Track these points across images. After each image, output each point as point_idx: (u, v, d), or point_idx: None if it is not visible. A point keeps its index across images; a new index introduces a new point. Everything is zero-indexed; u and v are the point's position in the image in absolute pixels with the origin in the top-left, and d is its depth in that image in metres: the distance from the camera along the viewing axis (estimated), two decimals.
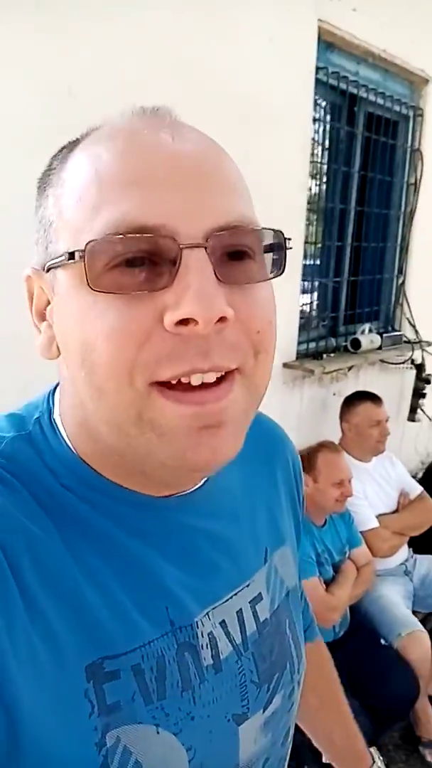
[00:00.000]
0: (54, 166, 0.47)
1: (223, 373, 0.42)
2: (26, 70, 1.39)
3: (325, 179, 2.68)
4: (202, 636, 0.50)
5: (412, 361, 3.12)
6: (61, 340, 0.46)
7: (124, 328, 0.40)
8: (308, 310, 2.70)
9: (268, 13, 1.99)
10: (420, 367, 3.18)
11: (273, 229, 0.45)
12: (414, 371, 3.19)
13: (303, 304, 2.61)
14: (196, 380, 0.41)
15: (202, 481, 0.53)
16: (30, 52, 1.40)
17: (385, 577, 2.38)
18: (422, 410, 3.26)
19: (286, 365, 2.38)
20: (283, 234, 0.45)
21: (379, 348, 2.77)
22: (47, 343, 0.47)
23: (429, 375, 3.20)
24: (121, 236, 0.39)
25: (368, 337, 2.69)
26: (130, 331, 0.40)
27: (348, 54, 2.48)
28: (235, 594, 0.55)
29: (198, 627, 0.50)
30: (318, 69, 2.29)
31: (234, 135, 1.91)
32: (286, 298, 2.37)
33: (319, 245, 2.72)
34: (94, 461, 0.48)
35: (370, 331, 2.78)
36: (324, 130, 2.62)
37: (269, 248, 0.45)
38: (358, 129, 2.70)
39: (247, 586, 0.56)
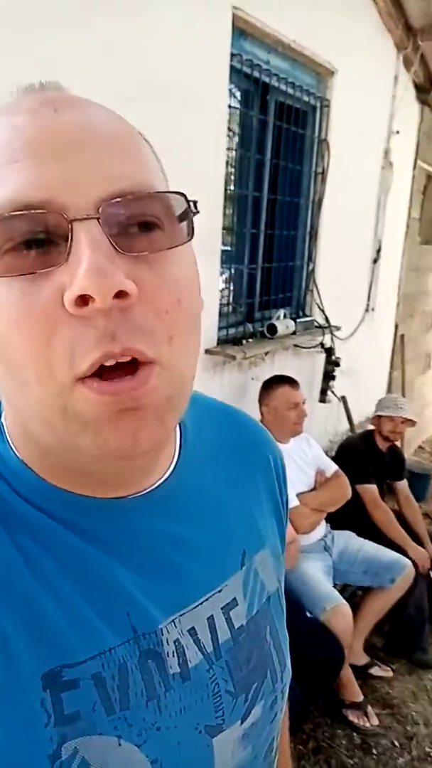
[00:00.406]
0: None
1: (137, 360, 0.39)
2: None
3: (239, 166, 2.71)
4: (168, 643, 0.48)
5: (322, 345, 3.25)
6: None
7: (28, 315, 0.38)
8: (226, 296, 2.72)
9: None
10: (329, 351, 3.31)
11: (174, 192, 0.42)
12: (324, 355, 3.32)
13: (221, 290, 2.63)
14: (110, 361, 0.38)
15: (158, 482, 0.51)
16: None
17: (307, 554, 2.48)
18: (332, 392, 3.40)
19: (208, 351, 2.40)
20: (185, 196, 0.42)
21: (293, 333, 2.85)
22: None
23: (338, 358, 3.34)
24: (6, 217, 0.37)
25: (284, 323, 2.77)
26: (35, 319, 0.37)
27: (260, 42, 2.51)
28: (206, 600, 0.52)
29: (163, 634, 0.48)
30: (232, 56, 2.30)
31: (152, 122, 1.88)
32: (206, 284, 2.37)
33: (234, 232, 2.75)
34: (37, 466, 0.47)
35: (285, 316, 2.86)
36: (238, 118, 2.64)
37: (181, 217, 0.42)
38: (270, 117, 2.74)
39: (219, 591, 0.53)
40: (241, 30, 2.36)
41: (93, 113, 0.42)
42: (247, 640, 0.54)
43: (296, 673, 2.05)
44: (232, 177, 2.69)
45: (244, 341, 2.59)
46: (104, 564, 0.46)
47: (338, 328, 3.36)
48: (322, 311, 3.29)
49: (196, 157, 2.14)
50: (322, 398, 3.38)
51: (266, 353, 2.80)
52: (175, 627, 0.49)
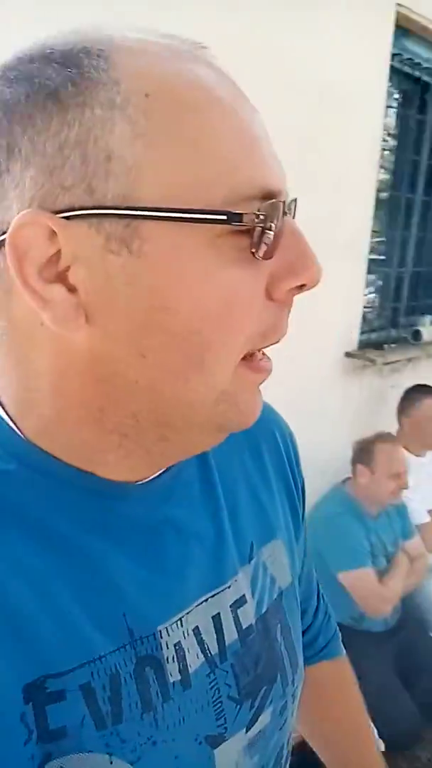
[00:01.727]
0: (103, 80, 0.34)
1: None
2: None
3: (393, 168, 2.64)
4: (167, 647, 0.43)
5: None
6: (113, 309, 0.36)
7: (251, 297, 0.38)
8: (370, 299, 2.68)
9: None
10: None
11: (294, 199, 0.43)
12: None
13: (365, 294, 2.60)
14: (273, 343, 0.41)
15: (162, 469, 0.47)
16: None
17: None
18: None
19: (348, 354, 2.38)
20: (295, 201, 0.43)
21: None
22: (73, 313, 0.36)
23: None
24: (260, 199, 0.36)
25: (430, 329, 2.66)
26: (249, 302, 0.38)
27: (423, 40, 2.43)
28: (212, 596, 0.48)
29: (162, 636, 0.43)
30: (393, 56, 2.26)
31: (305, 122, 1.96)
32: (350, 285, 2.37)
33: (384, 235, 2.69)
34: (45, 440, 0.41)
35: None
36: (395, 118, 2.58)
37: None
38: (429, 117, 2.64)
39: (228, 587, 0.49)
40: (404, 28, 2.31)
41: None
42: (256, 640, 0.50)
43: (415, 694, 1.97)
44: (386, 179, 2.64)
45: (385, 346, 2.53)
46: (102, 556, 0.42)
47: None
48: None
49: (348, 159, 2.13)
50: None
51: (409, 360, 2.71)
52: (179, 628, 0.45)
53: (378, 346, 2.53)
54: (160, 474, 0.46)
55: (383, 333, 2.65)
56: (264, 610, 0.52)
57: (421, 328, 2.63)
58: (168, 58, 0.36)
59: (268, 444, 0.59)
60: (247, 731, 0.48)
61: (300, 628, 0.58)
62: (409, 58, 2.41)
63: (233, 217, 0.35)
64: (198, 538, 0.48)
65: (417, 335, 2.62)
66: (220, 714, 0.46)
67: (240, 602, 0.50)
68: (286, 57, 1.82)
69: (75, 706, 0.38)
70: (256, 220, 0.36)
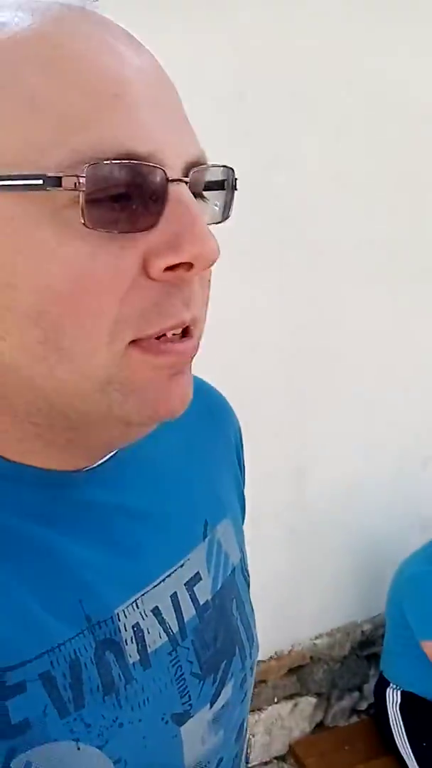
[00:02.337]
0: None
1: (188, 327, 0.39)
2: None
3: None
4: (125, 629, 0.43)
5: None
6: None
7: (108, 276, 0.34)
8: None
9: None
10: None
11: (226, 166, 0.41)
12: None
13: None
14: (177, 330, 0.38)
15: (111, 453, 0.46)
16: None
17: None
18: None
19: None
20: (233, 171, 0.41)
21: None
22: None
23: None
24: (122, 162, 0.33)
25: None
26: (112, 281, 0.34)
27: None
28: (168, 576, 0.48)
29: (119, 619, 0.43)
30: None
31: (405, 146, 1.77)
32: None
33: None
34: None
35: None
36: None
37: (220, 188, 0.41)
38: None
39: (181, 566, 0.49)
40: None
41: (155, 59, 0.38)
42: (213, 616, 0.51)
43: None
44: None
45: None
46: (54, 545, 0.42)
47: None
48: None
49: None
50: None
51: None
52: (136, 609, 0.45)
53: None
54: (107, 459, 0.46)
55: None
56: (219, 586, 0.53)
57: None
58: (27, 14, 0.34)
59: (219, 428, 0.61)
60: (211, 706, 0.49)
61: (251, 604, 0.59)
62: None
63: (49, 182, 0.32)
64: (148, 519, 0.48)
65: None
66: (184, 691, 0.47)
67: (195, 580, 0.50)
68: (384, 80, 1.71)
69: (36, 696, 0.38)
70: (77, 184, 0.32)
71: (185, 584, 0.49)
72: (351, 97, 1.65)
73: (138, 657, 0.44)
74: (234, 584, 0.55)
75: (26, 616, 0.38)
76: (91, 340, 0.35)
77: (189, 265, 0.35)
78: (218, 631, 0.51)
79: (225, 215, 0.42)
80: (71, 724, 0.39)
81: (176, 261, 0.35)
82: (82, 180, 0.32)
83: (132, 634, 0.44)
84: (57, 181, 0.32)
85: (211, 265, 0.36)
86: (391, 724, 1.73)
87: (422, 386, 2.07)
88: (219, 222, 0.41)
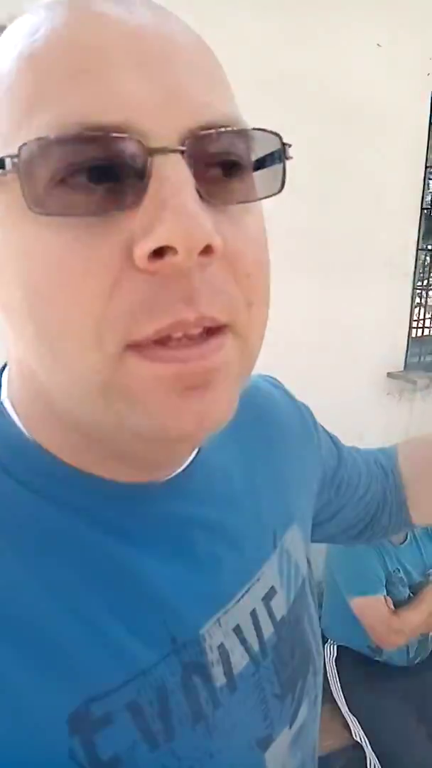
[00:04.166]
0: None
1: (210, 328, 0.32)
2: None
3: None
4: (211, 650, 0.41)
5: None
6: None
7: (84, 268, 0.30)
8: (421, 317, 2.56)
9: (376, 17, 1.97)
10: None
11: (270, 131, 0.34)
12: None
13: (418, 312, 2.48)
14: (179, 332, 0.31)
15: (188, 461, 0.44)
16: None
17: None
18: None
19: (390, 375, 2.32)
20: (281, 137, 0.35)
21: None
22: None
23: None
24: (70, 138, 0.29)
25: None
26: (93, 273, 0.30)
27: None
28: (246, 592, 0.46)
29: (205, 640, 0.41)
30: None
31: (340, 142, 1.94)
32: (396, 305, 2.32)
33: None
34: (56, 447, 0.38)
35: None
36: None
37: (262, 162, 0.35)
38: None
39: (258, 580, 0.47)
40: None
41: (173, 20, 0.34)
42: (289, 632, 0.48)
43: None
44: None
45: None
46: (133, 562, 0.39)
47: None
48: None
49: (388, 176, 2.13)
50: None
51: None
52: (220, 628, 0.42)
53: (429, 367, 2.41)
54: (188, 466, 0.44)
55: None
56: (293, 599, 0.50)
57: None
58: (42, 11, 0.33)
59: (278, 426, 0.57)
60: (290, 727, 0.47)
61: (316, 613, 0.56)
62: None
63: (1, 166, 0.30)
64: (224, 532, 0.46)
65: None
66: (267, 714, 0.44)
67: (271, 594, 0.48)
68: (313, 78, 1.82)
69: (124, 728, 0.35)
70: (12, 164, 0.30)
71: (262, 599, 0.47)
72: (277, 95, 1.77)
73: (225, 680, 0.41)
74: (305, 597, 0.52)
75: (108, 639, 0.36)
76: (77, 340, 0.31)
77: (174, 250, 0.29)
78: (294, 647, 0.48)
79: (277, 189, 0.35)
80: (162, 758, 0.36)
81: (151, 245, 0.29)
82: (15, 161, 0.29)
83: (218, 655, 0.41)
84: (1, 164, 0.30)
85: (203, 250, 0.29)
86: (328, 675, 1.85)
87: (361, 376, 2.20)
88: (274, 194, 0.35)
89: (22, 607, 0.34)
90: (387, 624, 1.78)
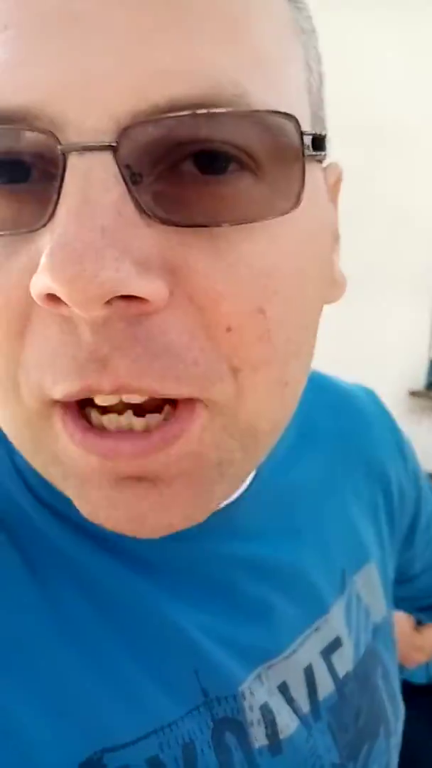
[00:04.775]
0: None
1: (167, 402, 0.25)
2: None
3: None
4: (251, 710, 0.35)
5: None
6: None
7: None
8: None
9: (402, 30, 1.98)
10: None
11: (281, 113, 0.22)
12: None
13: None
14: (100, 400, 0.24)
15: (246, 486, 0.37)
16: None
17: None
18: None
19: (413, 393, 2.32)
20: (298, 123, 0.23)
21: None
22: None
23: None
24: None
25: None
26: (1, 305, 0.23)
27: None
28: (300, 644, 0.39)
29: (245, 697, 0.35)
30: None
31: (366, 158, 1.92)
32: (415, 318, 2.33)
33: None
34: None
35: None
36: None
37: (268, 161, 0.23)
38: None
39: (316, 630, 0.40)
40: None
41: None
42: (355, 690, 0.42)
43: None
44: None
45: None
46: (163, 604, 0.34)
47: None
48: None
49: (413, 192, 2.14)
50: None
51: None
52: (262, 685, 0.36)
53: None
54: (240, 494, 0.37)
55: None
56: (362, 651, 0.44)
57: None
58: None
59: (360, 451, 0.48)
60: None
61: (397, 668, 0.49)
62: None
63: None
64: (276, 574, 0.39)
65: None
66: None
67: (334, 646, 0.41)
68: (336, 91, 1.89)
69: None
70: None
71: (322, 652, 0.40)
72: None
73: (266, 742, 0.35)
74: (377, 648, 0.45)
75: (129, 687, 0.32)
76: (7, 392, 0.25)
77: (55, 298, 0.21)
78: (361, 708, 0.42)
79: (293, 202, 0.23)
80: None
81: (33, 292, 0.21)
82: None
83: (260, 715, 0.35)
84: None
85: (125, 297, 0.21)
86: None
87: (381, 393, 2.21)
88: (290, 210, 0.23)
89: (33, 641, 0.30)
90: (409, 641, 1.75)
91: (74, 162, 0.21)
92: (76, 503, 0.26)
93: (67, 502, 0.28)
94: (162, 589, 0.34)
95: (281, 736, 0.36)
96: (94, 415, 0.24)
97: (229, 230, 0.23)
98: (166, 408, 0.24)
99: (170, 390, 0.23)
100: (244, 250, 0.23)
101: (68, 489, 0.26)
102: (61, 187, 0.21)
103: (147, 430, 0.24)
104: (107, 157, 0.21)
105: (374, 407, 0.51)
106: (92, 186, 0.21)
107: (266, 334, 0.24)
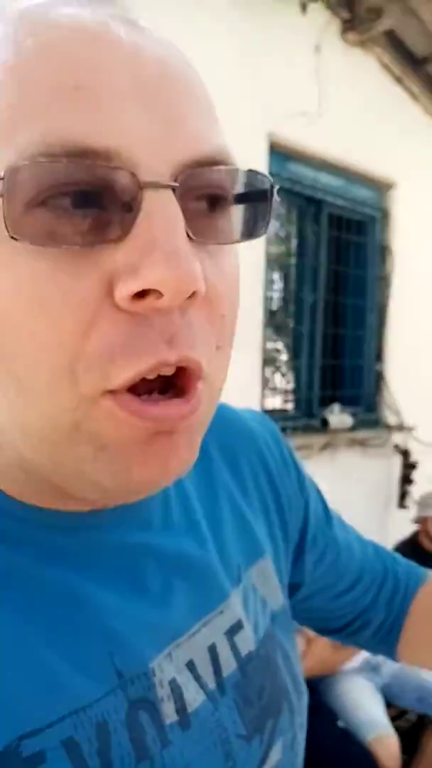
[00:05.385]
0: None
1: (185, 368, 0.32)
2: None
3: (297, 272, 2.89)
4: (161, 686, 0.38)
5: (396, 447, 3.13)
6: None
7: (63, 300, 0.29)
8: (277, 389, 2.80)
9: None
10: (405, 453, 3.17)
11: (261, 173, 0.34)
12: (400, 457, 3.18)
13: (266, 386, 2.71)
14: (152, 374, 0.31)
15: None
16: None
17: (349, 674, 2.25)
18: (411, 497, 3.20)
19: None
20: (271, 179, 0.34)
21: (353, 428, 2.82)
22: None
23: (415, 461, 3.17)
24: (59, 159, 0.28)
25: (338, 417, 2.76)
26: (71, 307, 0.29)
27: (306, 162, 2.75)
28: (204, 625, 0.43)
29: (155, 674, 0.38)
30: (272, 175, 2.54)
31: None
32: (245, 379, 2.48)
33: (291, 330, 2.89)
34: None
35: (340, 411, 2.85)
36: (296, 229, 2.87)
37: (249, 202, 0.34)
38: (323, 229, 2.91)
39: (221, 612, 0.44)
40: (282, 153, 2.63)
41: (170, 46, 0.33)
42: (257, 668, 0.45)
43: None
44: (286, 282, 2.88)
45: (288, 431, 2.61)
46: (77, 591, 0.37)
47: (412, 429, 3.23)
48: (394, 411, 3.21)
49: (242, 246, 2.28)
50: (401, 503, 3.18)
51: (323, 447, 2.77)
52: (171, 662, 0.40)
53: (283, 430, 2.59)
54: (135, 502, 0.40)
55: (292, 422, 2.76)
56: (262, 634, 0.47)
57: (327, 416, 2.73)
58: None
59: (248, 457, 0.53)
60: None
61: (298, 653, 0.53)
62: (293, 179, 2.70)
63: None
64: (180, 563, 0.43)
65: (324, 422, 2.72)
66: (229, 755, 0.41)
67: (236, 628, 0.45)
68: None
69: (58, 766, 0.33)
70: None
71: (225, 633, 0.44)
72: None
73: (176, 717, 0.39)
74: (275, 633, 0.49)
75: (45, 672, 0.34)
76: (48, 377, 0.30)
77: (158, 293, 0.28)
78: (263, 685, 0.45)
79: (263, 228, 0.34)
80: None
81: (135, 288, 0.28)
82: (1, 183, 0.27)
83: (169, 690, 0.39)
84: None
85: (189, 296, 0.29)
86: None
87: None
88: (260, 235, 0.35)
89: None
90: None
91: (150, 194, 0.29)
92: (107, 472, 0.32)
93: None
94: (77, 576, 0.37)
95: (189, 710, 0.39)
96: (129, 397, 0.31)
97: (222, 247, 0.33)
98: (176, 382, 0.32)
99: (199, 357, 0.31)
100: (226, 261, 0.34)
101: (98, 461, 0.32)
102: (137, 212, 0.29)
103: (183, 398, 0.32)
104: (170, 193, 0.29)
105: (260, 426, 0.56)
106: (170, 213, 0.29)
107: (234, 320, 0.35)
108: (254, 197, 0.34)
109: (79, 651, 0.36)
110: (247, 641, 0.45)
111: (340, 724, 2.04)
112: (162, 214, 0.29)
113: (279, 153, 2.60)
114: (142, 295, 0.29)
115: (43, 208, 0.28)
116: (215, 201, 0.32)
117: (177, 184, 0.29)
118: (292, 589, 0.56)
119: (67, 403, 0.30)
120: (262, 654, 0.46)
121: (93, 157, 0.28)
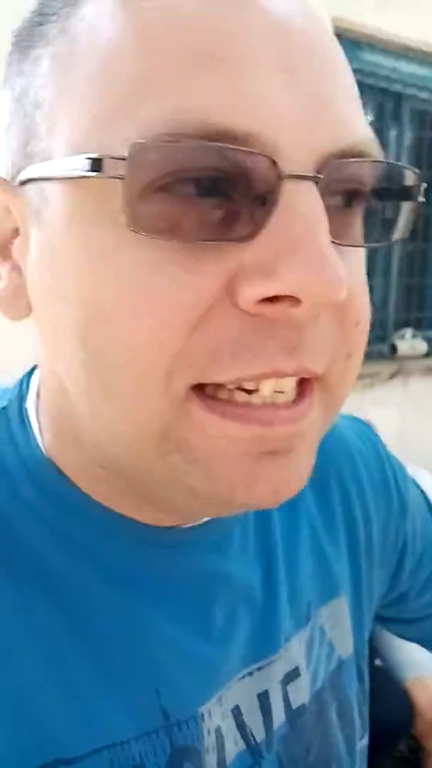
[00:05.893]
0: (51, 12, 0.28)
1: (302, 379, 0.28)
2: None
3: None
4: (209, 734, 0.35)
5: None
6: (38, 295, 0.30)
7: (174, 295, 0.25)
8: None
9: None
10: None
11: (409, 167, 0.29)
12: None
13: None
14: (267, 389, 0.27)
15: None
16: None
17: None
18: None
19: None
20: (419, 174, 0.29)
21: (427, 355, 2.57)
22: (12, 296, 0.31)
23: None
24: (191, 139, 0.24)
25: (409, 342, 2.52)
26: (183, 303, 0.25)
27: (381, 49, 2.40)
28: (259, 669, 0.38)
29: (204, 720, 0.34)
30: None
31: None
32: None
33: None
34: (72, 469, 0.34)
35: (414, 336, 2.60)
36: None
37: (385, 194, 0.30)
38: (404, 126, 2.59)
39: (278, 658, 0.39)
40: (351, 39, 2.30)
41: (315, 17, 0.28)
42: (307, 723, 0.41)
43: None
44: None
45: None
46: (134, 616, 0.34)
47: None
48: None
49: None
50: None
51: (392, 375, 2.56)
52: (219, 707, 0.36)
53: None
54: (205, 521, 0.36)
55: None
56: (319, 685, 0.42)
57: (397, 341, 2.50)
58: None
59: (339, 483, 0.46)
60: None
61: (362, 704, 0.46)
62: (369, 72, 2.39)
63: (94, 164, 0.25)
64: (248, 597, 0.38)
65: (393, 349, 2.50)
66: None
67: (292, 676, 0.40)
68: None
69: None
70: (119, 168, 0.24)
71: (280, 681, 0.40)
72: None
73: None
74: (339, 683, 0.44)
75: (88, 700, 0.31)
76: (141, 378, 0.26)
77: (295, 300, 0.25)
78: (312, 742, 0.41)
79: (387, 235, 0.31)
80: None
81: (267, 292, 0.24)
82: (121, 164, 0.24)
83: (214, 740, 0.35)
84: (98, 165, 0.25)
85: (332, 302, 0.25)
86: None
87: None
88: (374, 245, 0.31)
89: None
90: None
91: (291, 186, 0.24)
92: (204, 484, 0.28)
93: (54, 508, 0.33)
94: (135, 600, 0.33)
95: (227, 762, 0.35)
96: (227, 395, 0.27)
97: (355, 249, 0.29)
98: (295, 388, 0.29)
99: (319, 370, 0.28)
100: (360, 265, 0.30)
101: (192, 473, 0.28)
102: (275, 205, 0.24)
103: (276, 404, 0.28)
104: (313, 187, 0.25)
105: (359, 440, 0.49)
106: (314, 210, 0.25)
107: (367, 328, 0.30)
108: (397, 195, 0.30)
109: (125, 683, 0.33)
110: (301, 692, 0.41)
111: (378, 662, 1.97)
112: (304, 209, 0.25)
113: (347, 40, 2.28)
114: (275, 300, 0.25)
115: (164, 195, 0.25)
116: (352, 197, 0.28)
117: (322, 177, 0.25)
118: (401, 598, 0.53)
119: (156, 408, 0.27)
120: (314, 708, 0.41)
121: (230, 140, 0.24)
